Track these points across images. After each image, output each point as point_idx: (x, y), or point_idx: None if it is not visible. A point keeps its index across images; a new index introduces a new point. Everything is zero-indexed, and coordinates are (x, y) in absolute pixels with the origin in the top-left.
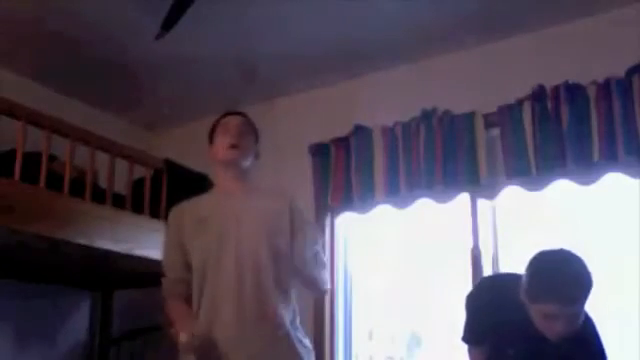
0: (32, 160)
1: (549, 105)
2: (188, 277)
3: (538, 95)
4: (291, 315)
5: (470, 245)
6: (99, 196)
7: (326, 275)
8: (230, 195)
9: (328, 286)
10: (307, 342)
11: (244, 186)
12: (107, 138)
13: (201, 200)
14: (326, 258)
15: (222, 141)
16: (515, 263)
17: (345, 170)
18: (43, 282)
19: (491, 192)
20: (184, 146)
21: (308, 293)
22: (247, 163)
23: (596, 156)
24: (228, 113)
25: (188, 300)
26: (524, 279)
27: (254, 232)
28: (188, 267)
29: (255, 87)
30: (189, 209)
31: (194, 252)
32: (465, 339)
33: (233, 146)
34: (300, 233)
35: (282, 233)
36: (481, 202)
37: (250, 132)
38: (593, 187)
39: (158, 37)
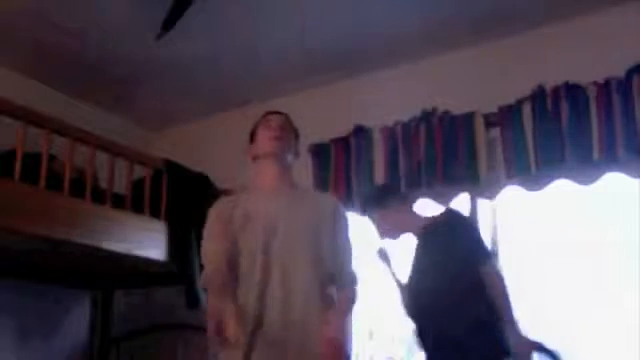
0: (32, 160)
1: (549, 105)
2: (228, 269)
3: (538, 95)
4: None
5: None
6: (99, 196)
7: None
8: (273, 194)
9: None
10: None
11: (287, 183)
12: (107, 138)
13: (244, 197)
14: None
15: (264, 135)
16: (515, 263)
17: (345, 170)
18: (43, 282)
19: (491, 192)
20: (184, 146)
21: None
22: (289, 159)
23: (596, 156)
24: (269, 112)
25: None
26: None
27: (298, 234)
28: (231, 258)
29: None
30: (235, 203)
31: (241, 247)
32: None
33: (276, 138)
34: (339, 239)
35: (325, 237)
36: (481, 202)
37: (291, 129)
38: (593, 187)
39: (158, 37)
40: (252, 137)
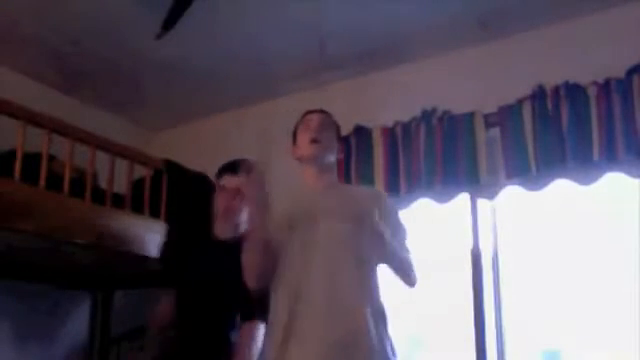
0: (32, 160)
1: (549, 105)
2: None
3: (538, 95)
4: (377, 320)
5: (470, 245)
6: (99, 196)
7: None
8: (314, 193)
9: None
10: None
11: (328, 182)
12: (107, 138)
13: (294, 197)
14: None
15: (303, 137)
16: (515, 263)
17: (345, 170)
18: (43, 282)
19: (491, 192)
20: (184, 146)
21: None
22: (331, 159)
23: (596, 156)
24: (309, 111)
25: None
26: None
27: (337, 233)
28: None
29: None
30: (285, 205)
31: (283, 247)
32: None
33: (313, 140)
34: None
35: (367, 230)
36: (481, 202)
37: (331, 128)
38: (593, 187)
39: (159, 37)
40: (294, 138)
